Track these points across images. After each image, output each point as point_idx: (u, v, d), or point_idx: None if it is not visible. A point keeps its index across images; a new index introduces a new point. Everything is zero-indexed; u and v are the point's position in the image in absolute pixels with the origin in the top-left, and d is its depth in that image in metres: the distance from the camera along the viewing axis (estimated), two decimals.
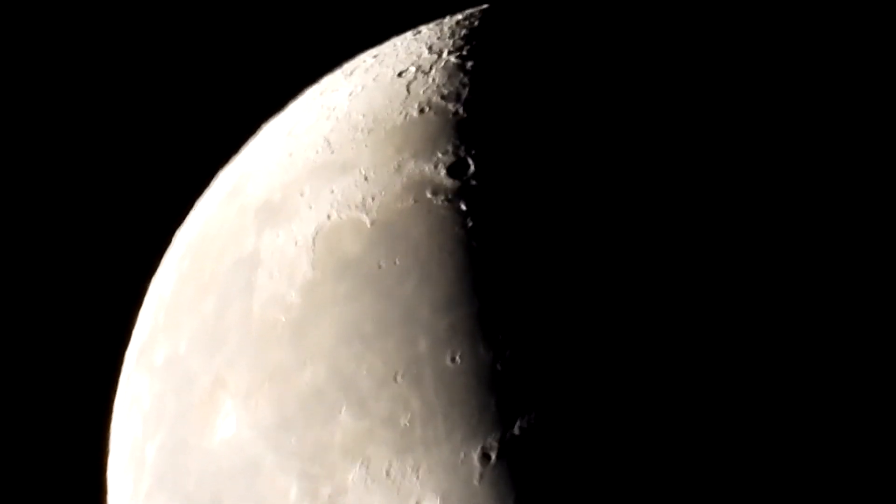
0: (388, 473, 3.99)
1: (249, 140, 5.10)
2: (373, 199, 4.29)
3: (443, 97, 4.45)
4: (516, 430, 3.91)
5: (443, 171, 4.26)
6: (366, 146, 4.45)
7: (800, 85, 4.30)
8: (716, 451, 3.85)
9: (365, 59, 5.02)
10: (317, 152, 4.57)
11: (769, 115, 4.22)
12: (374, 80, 4.75)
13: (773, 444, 3.86)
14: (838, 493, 3.93)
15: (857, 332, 3.99)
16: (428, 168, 4.28)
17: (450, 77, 4.53)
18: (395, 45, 5.01)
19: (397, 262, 4.15)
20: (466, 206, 4.16)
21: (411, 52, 4.79)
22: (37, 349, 7.60)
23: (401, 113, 4.48)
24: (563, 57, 4.47)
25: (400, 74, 4.67)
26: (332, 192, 4.39)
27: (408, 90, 4.56)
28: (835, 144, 4.16)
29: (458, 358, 3.99)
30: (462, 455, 3.95)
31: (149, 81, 7.86)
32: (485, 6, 5.04)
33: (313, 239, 4.32)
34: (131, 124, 7.79)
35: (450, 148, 4.29)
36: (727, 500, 3.83)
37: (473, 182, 4.20)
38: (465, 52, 4.63)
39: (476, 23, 4.85)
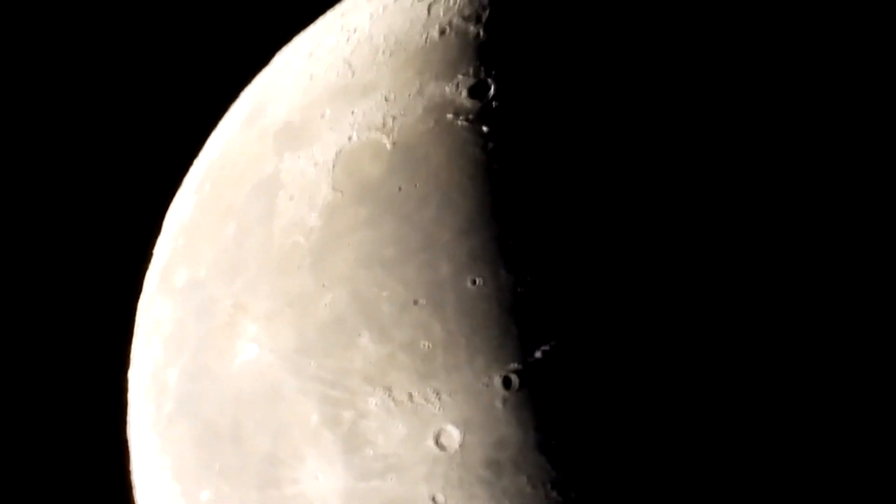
0: (410, 399, 3.98)
1: (269, 62, 5.06)
2: (394, 120, 4.26)
3: (464, 18, 4.39)
4: (538, 355, 3.89)
5: (464, 93, 4.21)
6: (387, 68, 4.41)
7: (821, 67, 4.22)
8: (733, 373, 3.83)
9: None
10: (337, 74, 4.52)
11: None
12: (394, 1, 4.69)
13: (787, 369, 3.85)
14: (838, 492, 3.94)
15: (858, 331, 3.96)
16: (449, 90, 4.24)
17: None
18: None
19: (417, 186, 4.11)
20: (487, 127, 4.11)
21: None
22: (58, 274, 7.62)
23: (421, 35, 4.43)
24: None
25: None
26: (353, 113, 4.35)
27: (428, 11, 4.50)
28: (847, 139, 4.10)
29: (479, 283, 3.97)
30: (484, 380, 3.93)
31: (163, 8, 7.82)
32: None
33: (334, 161, 4.29)
34: (147, 48, 7.75)
35: (471, 70, 4.24)
36: (743, 420, 3.83)
37: (494, 104, 4.15)
38: None
39: None
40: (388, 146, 4.22)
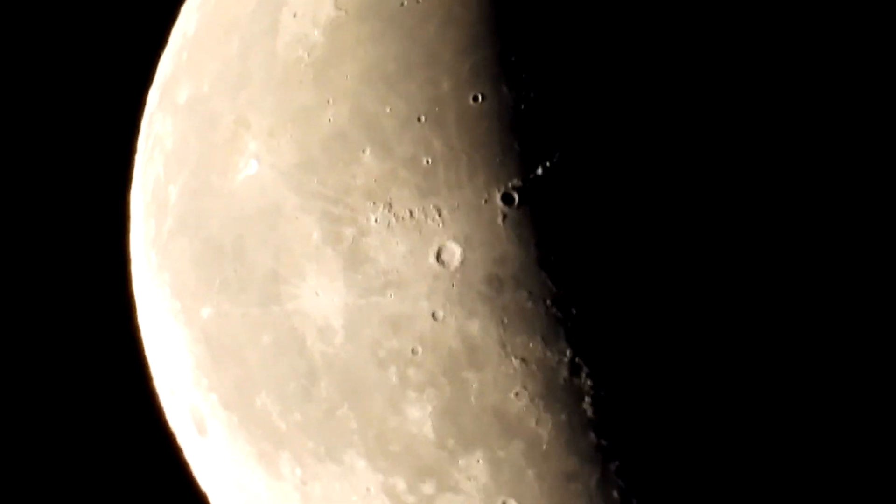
0: (411, 215, 3.98)
1: None
2: None
3: None
4: (539, 172, 3.88)
5: None
6: None
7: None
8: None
9: None
10: None
11: None
12: None
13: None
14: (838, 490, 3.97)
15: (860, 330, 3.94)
16: None
17: None
18: None
19: (420, 2, 4.07)
20: None
21: None
22: (62, 88, 7.59)
23: None
24: None
25: None
26: None
27: None
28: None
29: (481, 99, 3.94)
30: (485, 197, 3.93)
31: None
32: None
33: None
34: None
35: None
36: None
37: None
38: None
39: None
40: None
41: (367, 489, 4.21)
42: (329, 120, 4.10)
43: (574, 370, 3.91)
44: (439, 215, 3.96)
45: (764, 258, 3.85)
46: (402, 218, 3.99)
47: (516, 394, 3.96)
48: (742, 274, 3.84)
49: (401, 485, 4.15)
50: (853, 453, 4.00)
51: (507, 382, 3.95)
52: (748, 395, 3.89)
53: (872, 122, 3.92)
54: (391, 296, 4.01)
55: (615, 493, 4.00)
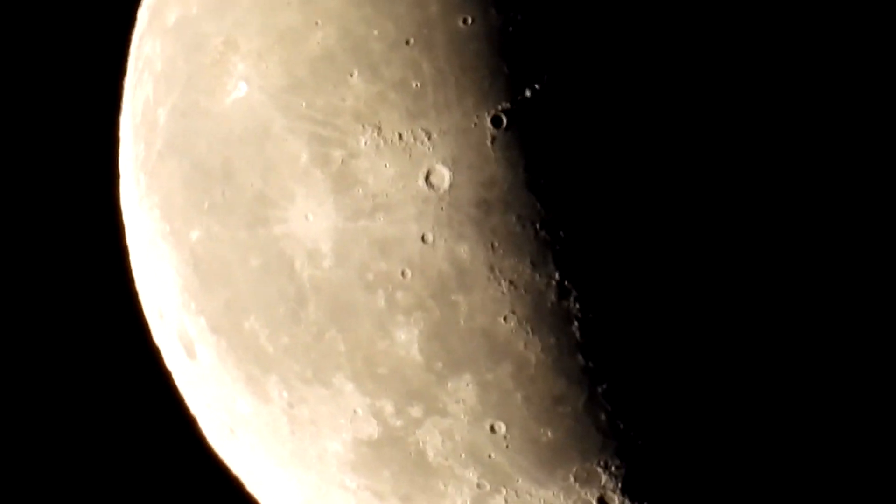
0: (399, 138, 3.97)
1: None
2: None
3: None
4: (528, 94, 3.87)
5: None
6: None
7: None
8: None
9: None
10: None
11: None
12: None
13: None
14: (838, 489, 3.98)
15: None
16: None
17: None
18: None
19: None
20: None
21: None
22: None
23: None
24: None
25: None
26: None
27: None
28: None
29: (469, 21, 3.92)
30: (474, 120, 3.92)
31: None
32: None
33: None
34: None
35: None
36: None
37: None
38: None
39: None
40: None
41: (355, 412, 4.23)
42: (317, 42, 4.08)
43: (562, 293, 3.92)
44: (428, 138, 3.95)
45: (750, 188, 3.85)
46: (391, 141, 3.98)
47: (505, 317, 3.97)
48: (722, 194, 3.85)
49: (389, 408, 4.17)
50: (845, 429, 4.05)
51: (495, 306, 3.96)
52: (733, 314, 3.90)
53: (872, 121, 3.91)
54: (380, 219, 4.00)
55: (602, 416, 4.03)
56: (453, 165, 3.93)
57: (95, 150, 6.29)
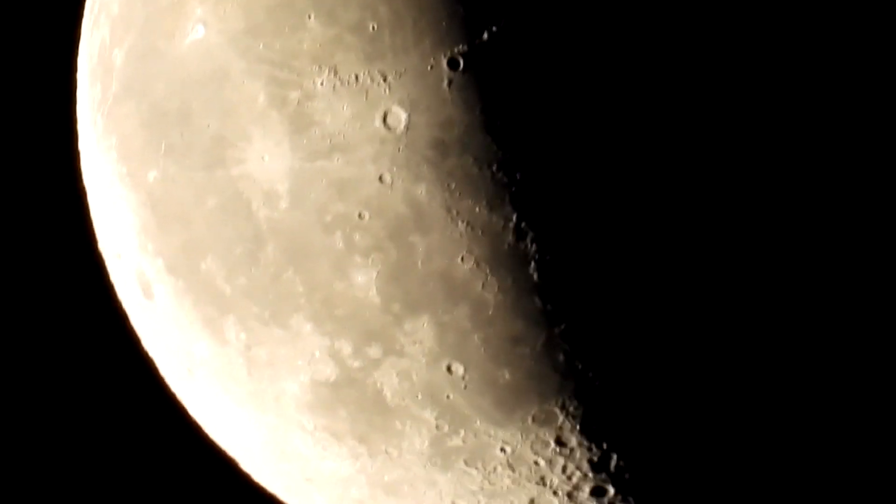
0: (356, 80, 3.97)
1: None
2: None
3: None
4: (485, 37, 3.88)
5: None
6: None
7: None
8: None
9: None
10: None
11: None
12: None
13: None
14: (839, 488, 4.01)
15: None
16: None
17: None
18: None
19: None
20: None
21: None
22: None
23: None
24: None
25: None
26: None
27: None
28: None
29: None
30: (431, 62, 3.93)
31: None
32: None
33: None
34: None
35: None
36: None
37: None
38: None
39: None
40: None
41: (313, 353, 4.25)
42: None
43: (519, 235, 3.94)
44: (385, 80, 3.95)
45: (706, 138, 3.88)
46: (348, 82, 3.98)
47: (462, 258, 3.99)
48: (671, 130, 3.87)
49: (346, 348, 4.19)
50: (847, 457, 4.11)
51: (453, 247, 3.98)
52: (686, 252, 3.94)
53: (871, 121, 3.93)
54: (338, 159, 4.01)
55: (560, 357, 4.06)
56: (410, 107, 3.94)
57: (52, 95, 6.27)
